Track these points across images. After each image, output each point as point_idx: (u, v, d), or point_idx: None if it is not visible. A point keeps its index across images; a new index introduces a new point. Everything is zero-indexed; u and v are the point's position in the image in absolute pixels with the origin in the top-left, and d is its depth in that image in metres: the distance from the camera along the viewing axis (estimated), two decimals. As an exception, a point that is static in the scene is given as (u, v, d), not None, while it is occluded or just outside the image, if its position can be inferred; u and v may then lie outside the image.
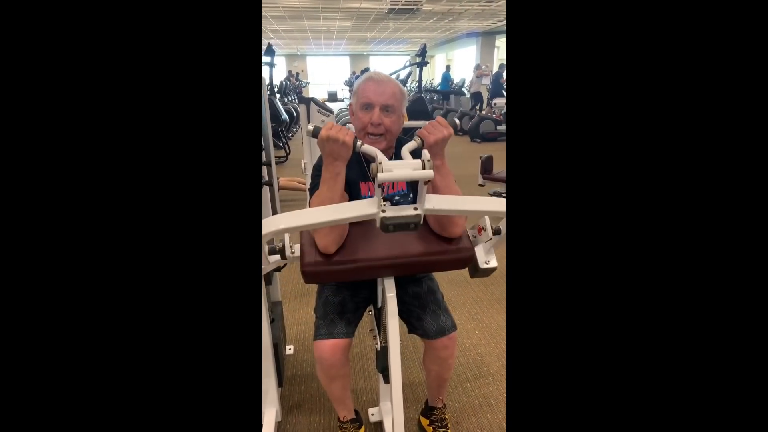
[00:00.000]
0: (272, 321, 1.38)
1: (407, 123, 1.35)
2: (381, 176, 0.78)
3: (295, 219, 0.86)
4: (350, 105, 1.19)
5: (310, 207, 0.99)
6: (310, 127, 0.92)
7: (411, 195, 1.19)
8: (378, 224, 0.83)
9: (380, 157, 0.81)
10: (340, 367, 1.17)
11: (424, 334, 1.21)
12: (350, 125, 1.23)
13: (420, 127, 0.99)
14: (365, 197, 1.17)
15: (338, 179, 0.97)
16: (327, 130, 0.91)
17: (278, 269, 1.55)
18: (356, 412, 1.37)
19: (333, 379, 1.20)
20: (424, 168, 0.79)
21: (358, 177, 1.17)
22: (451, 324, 1.21)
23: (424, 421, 1.42)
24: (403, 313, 1.22)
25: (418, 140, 0.94)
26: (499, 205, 0.89)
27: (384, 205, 0.82)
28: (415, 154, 0.84)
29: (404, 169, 0.80)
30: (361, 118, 1.11)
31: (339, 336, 1.15)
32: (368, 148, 0.91)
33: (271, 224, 0.86)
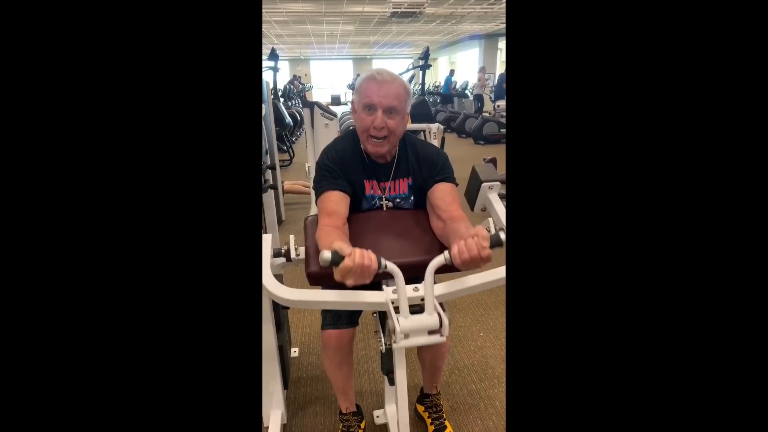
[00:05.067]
0: (279, 329, 1.39)
1: (410, 126, 1.35)
2: (399, 344, 0.85)
3: (306, 295, 0.96)
4: (352, 102, 1.17)
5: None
6: (327, 255, 0.80)
7: (411, 197, 1.20)
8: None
9: (396, 325, 0.85)
10: (345, 354, 1.23)
11: None
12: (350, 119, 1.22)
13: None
14: (369, 195, 1.19)
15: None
16: (352, 261, 0.81)
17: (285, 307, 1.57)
18: (358, 406, 1.39)
19: (338, 365, 1.24)
20: (440, 326, 0.84)
21: (361, 175, 1.17)
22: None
23: (420, 408, 1.46)
24: None
25: (447, 257, 0.86)
26: (499, 273, 0.94)
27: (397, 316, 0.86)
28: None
29: (420, 336, 0.85)
30: (364, 119, 1.09)
31: (343, 326, 1.19)
32: (392, 269, 0.86)
33: (288, 294, 0.95)
